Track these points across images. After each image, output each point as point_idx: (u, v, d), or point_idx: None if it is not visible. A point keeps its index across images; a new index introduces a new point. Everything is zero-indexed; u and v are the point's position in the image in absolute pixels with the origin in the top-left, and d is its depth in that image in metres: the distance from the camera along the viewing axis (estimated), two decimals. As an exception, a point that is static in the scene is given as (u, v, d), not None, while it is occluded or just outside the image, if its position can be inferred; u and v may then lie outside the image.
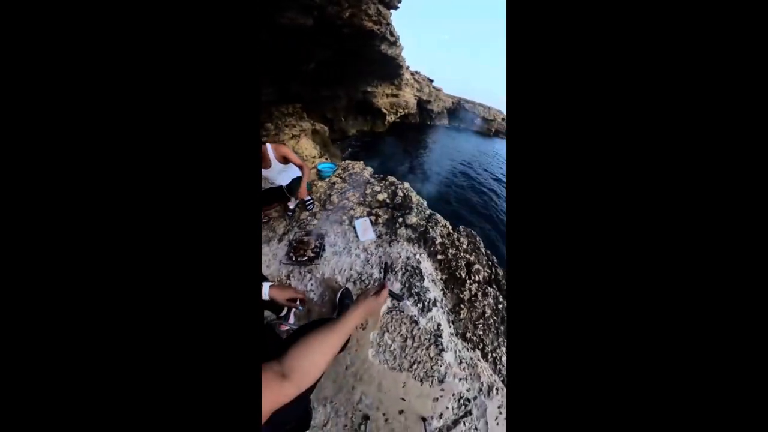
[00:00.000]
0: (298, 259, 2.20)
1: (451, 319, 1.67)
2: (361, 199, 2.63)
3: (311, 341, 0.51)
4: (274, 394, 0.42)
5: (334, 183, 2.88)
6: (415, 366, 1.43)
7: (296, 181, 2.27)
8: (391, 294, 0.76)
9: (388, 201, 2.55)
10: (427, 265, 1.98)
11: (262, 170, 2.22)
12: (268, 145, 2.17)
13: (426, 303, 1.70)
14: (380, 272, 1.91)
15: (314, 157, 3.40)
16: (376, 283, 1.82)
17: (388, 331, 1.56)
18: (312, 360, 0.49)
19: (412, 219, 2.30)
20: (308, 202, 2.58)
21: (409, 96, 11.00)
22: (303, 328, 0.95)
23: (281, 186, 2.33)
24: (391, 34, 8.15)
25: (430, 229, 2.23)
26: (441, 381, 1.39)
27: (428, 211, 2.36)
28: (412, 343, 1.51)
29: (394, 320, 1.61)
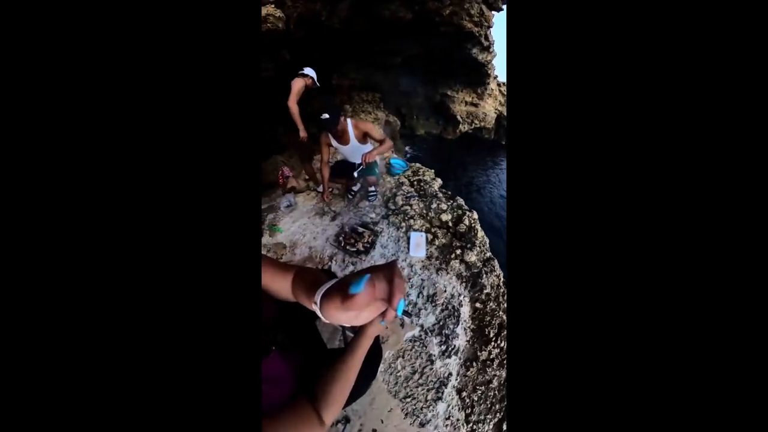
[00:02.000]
0: (347, 247, 2.20)
1: (461, 372, 1.61)
2: (424, 212, 2.50)
3: (338, 379, 0.53)
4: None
5: (402, 183, 2.80)
6: (408, 399, 1.49)
7: (370, 168, 2.21)
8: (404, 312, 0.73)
9: (450, 225, 2.39)
10: (465, 310, 1.87)
11: (340, 146, 2.17)
12: (349, 121, 2.11)
13: (449, 348, 1.68)
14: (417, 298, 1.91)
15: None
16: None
17: (402, 357, 1.62)
18: (341, 400, 0.53)
19: (471, 257, 2.11)
20: (371, 193, 2.52)
21: (489, 108, 10.42)
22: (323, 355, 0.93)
23: (354, 164, 2.28)
24: (486, 38, 7.71)
25: (484, 275, 2.04)
26: (422, 425, 1.42)
27: (489, 254, 2.14)
28: (418, 379, 1.55)
29: (414, 350, 1.65)
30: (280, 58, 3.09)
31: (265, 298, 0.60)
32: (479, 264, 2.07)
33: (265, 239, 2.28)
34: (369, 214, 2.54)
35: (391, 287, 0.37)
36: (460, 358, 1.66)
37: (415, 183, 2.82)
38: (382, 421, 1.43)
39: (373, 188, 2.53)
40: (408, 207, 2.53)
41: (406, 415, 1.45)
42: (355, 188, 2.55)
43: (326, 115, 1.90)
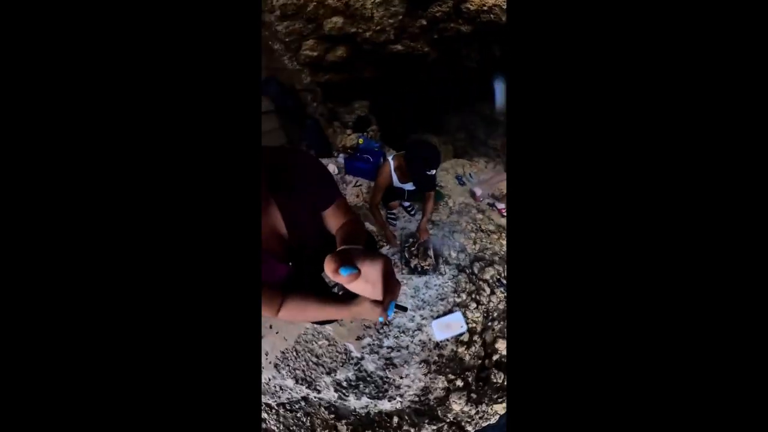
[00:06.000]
0: (406, 253, 2.10)
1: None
2: (494, 314, 1.86)
3: (315, 304, 0.62)
4: (265, 311, 0.58)
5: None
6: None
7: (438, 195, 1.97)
8: (398, 306, 0.80)
9: (494, 360, 1.72)
10: (385, 405, 1.57)
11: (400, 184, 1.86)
12: (390, 160, 1.79)
13: (344, 388, 1.67)
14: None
15: None
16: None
17: (328, 343, 1.77)
18: (304, 316, 0.64)
19: (457, 406, 1.54)
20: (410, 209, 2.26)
21: None
22: (316, 285, 1.05)
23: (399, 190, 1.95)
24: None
25: (432, 428, 1.48)
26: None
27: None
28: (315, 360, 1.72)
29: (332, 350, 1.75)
30: (490, 52, 2.36)
31: (314, 225, 0.71)
32: (450, 418, 1.53)
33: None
34: (451, 251, 2.14)
35: (385, 285, 0.41)
36: (335, 401, 1.61)
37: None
38: (277, 332, 1.71)
39: (395, 212, 2.24)
40: (486, 289, 1.94)
41: (282, 352, 1.70)
42: (406, 204, 2.29)
43: (433, 171, 1.66)
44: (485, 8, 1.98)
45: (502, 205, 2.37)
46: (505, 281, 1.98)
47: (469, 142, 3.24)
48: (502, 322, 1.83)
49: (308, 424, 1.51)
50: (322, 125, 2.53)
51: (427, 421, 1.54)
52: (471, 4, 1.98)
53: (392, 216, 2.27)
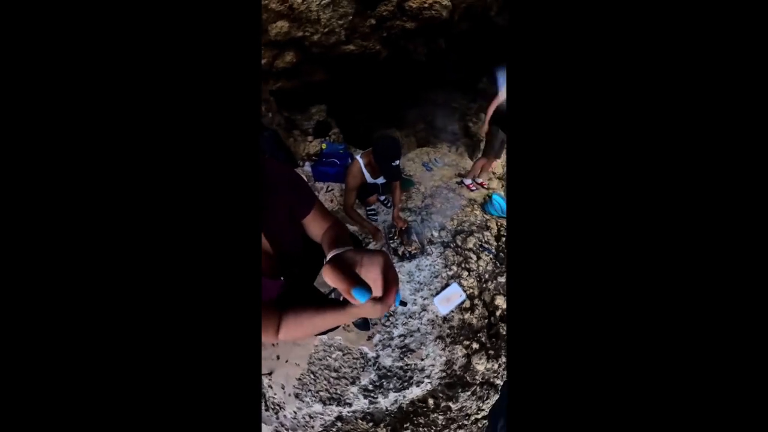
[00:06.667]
0: (392, 241, 2.13)
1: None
2: (485, 276, 2.05)
3: (310, 316, 0.58)
4: (265, 336, 0.55)
5: (488, 227, 2.32)
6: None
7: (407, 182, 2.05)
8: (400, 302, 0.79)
9: (496, 315, 1.91)
10: (417, 392, 1.65)
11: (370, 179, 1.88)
12: (359, 158, 1.81)
13: (376, 388, 1.69)
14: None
15: (494, 174, 2.85)
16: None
17: (342, 354, 1.72)
18: (306, 331, 0.59)
19: (481, 366, 1.69)
20: (370, 211, 2.28)
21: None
22: (311, 295, 1.01)
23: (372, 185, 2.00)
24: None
25: (469, 393, 1.64)
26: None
27: (500, 382, 1.67)
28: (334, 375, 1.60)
29: (350, 356, 1.73)
30: (436, 45, 2.66)
31: (295, 234, 0.68)
32: (479, 379, 1.66)
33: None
34: (432, 231, 2.25)
35: (386, 280, 0.40)
36: (368, 408, 1.60)
37: (502, 240, 2.28)
38: (287, 360, 1.61)
39: (373, 207, 2.28)
40: (473, 256, 2.12)
41: (299, 380, 1.60)
42: (382, 197, 2.33)
43: (397, 162, 1.70)
44: (426, 5, 2.07)
45: (469, 181, 2.57)
46: (487, 245, 2.18)
47: (430, 131, 3.39)
48: (494, 281, 2.03)
49: (351, 441, 1.44)
50: (281, 135, 2.33)
51: (460, 389, 1.62)
52: (413, 2, 2.05)
53: (372, 211, 2.27)
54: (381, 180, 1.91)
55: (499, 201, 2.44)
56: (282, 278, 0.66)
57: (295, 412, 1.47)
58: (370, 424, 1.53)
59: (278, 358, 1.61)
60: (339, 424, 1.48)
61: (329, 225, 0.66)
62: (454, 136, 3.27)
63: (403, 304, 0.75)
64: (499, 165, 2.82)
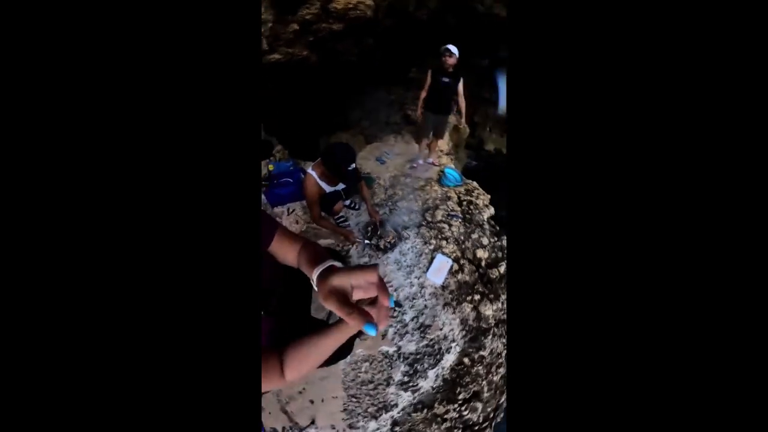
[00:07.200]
0: (369, 240, 2.18)
1: (407, 409, 1.66)
2: (461, 238, 2.27)
3: (310, 344, 0.57)
4: (272, 382, 0.53)
5: (449, 198, 2.57)
6: (353, 399, 1.61)
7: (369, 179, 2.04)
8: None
9: (483, 265, 2.14)
10: (450, 358, 1.75)
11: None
12: (311, 170, 1.77)
13: (410, 383, 1.69)
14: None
15: (442, 152, 3.15)
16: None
17: (370, 363, 1.71)
18: (308, 363, 0.57)
19: (488, 310, 1.87)
20: (339, 218, 2.24)
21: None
22: (303, 324, 1.00)
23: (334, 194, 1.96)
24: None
25: (491, 336, 1.81)
26: (351, 427, 1.49)
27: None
28: (371, 389, 1.64)
29: (381, 363, 1.72)
30: (364, 44, 2.96)
31: (268, 263, 0.65)
32: (492, 321, 1.83)
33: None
34: (403, 217, 2.40)
35: (380, 291, 0.41)
36: (414, 398, 1.62)
37: (464, 203, 2.57)
38: (323, 400, 1.54)
39: (341, 214, 2.25)
40: (446, 226, 2.32)
41: (345, 410, 1.52)
42: (347, 202, 2.34)
43: (353, 165, 1.69)
44: (351, 5, 2.16)
45: (421, 162, 2.82)
46: (453, 212, 2.41)
47: (375, 126, 3.45)
48: (470, 239, 2.25)
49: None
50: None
51: (482, 338, 1.75)
52: (338, 4, 2.12)
53: (341, 219, 2.28)
54: (341, 186, 1.93)
55: (452, 173, 2.74)
56: (262, 313, 0.63)
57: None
58: (425, 410, 1.53)
59: (312, 402, 1.50)
60: (397, 429, 1.46)
61: (300, 246, 0.63)
62: (397, 126, 3.48)
63: (398, 305, 0.78)
64: (444, 143, 3.12)
